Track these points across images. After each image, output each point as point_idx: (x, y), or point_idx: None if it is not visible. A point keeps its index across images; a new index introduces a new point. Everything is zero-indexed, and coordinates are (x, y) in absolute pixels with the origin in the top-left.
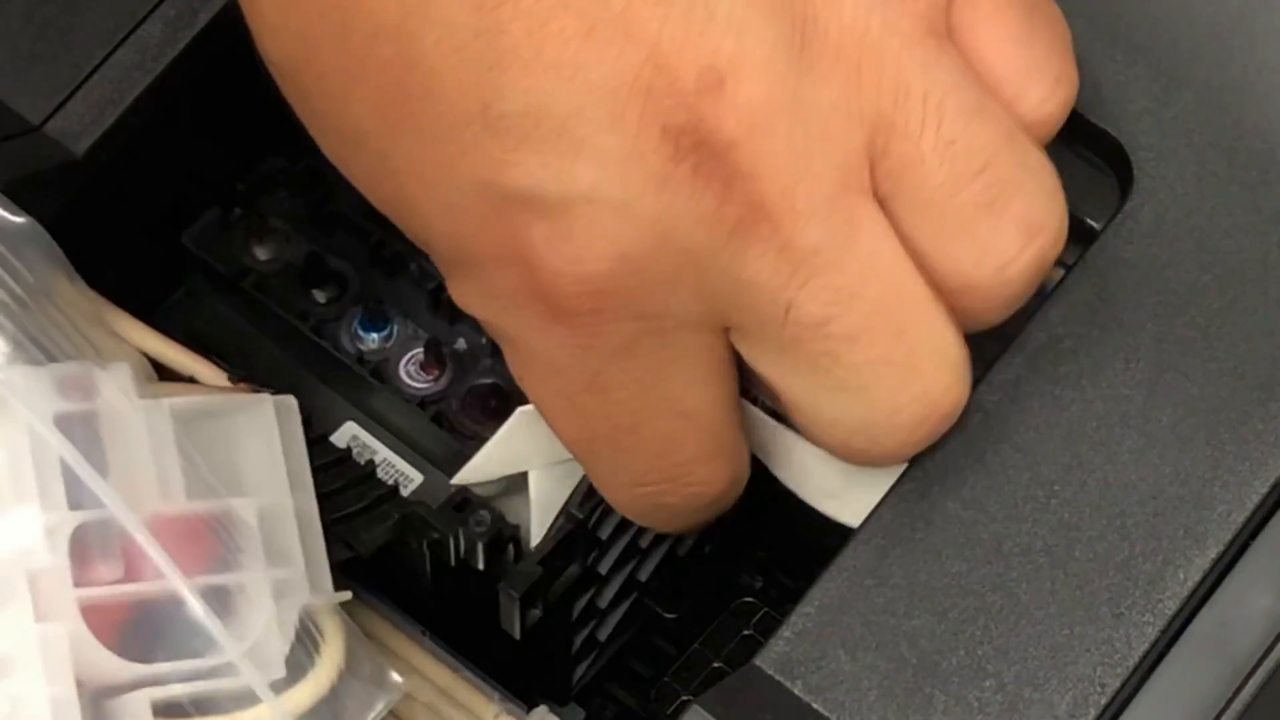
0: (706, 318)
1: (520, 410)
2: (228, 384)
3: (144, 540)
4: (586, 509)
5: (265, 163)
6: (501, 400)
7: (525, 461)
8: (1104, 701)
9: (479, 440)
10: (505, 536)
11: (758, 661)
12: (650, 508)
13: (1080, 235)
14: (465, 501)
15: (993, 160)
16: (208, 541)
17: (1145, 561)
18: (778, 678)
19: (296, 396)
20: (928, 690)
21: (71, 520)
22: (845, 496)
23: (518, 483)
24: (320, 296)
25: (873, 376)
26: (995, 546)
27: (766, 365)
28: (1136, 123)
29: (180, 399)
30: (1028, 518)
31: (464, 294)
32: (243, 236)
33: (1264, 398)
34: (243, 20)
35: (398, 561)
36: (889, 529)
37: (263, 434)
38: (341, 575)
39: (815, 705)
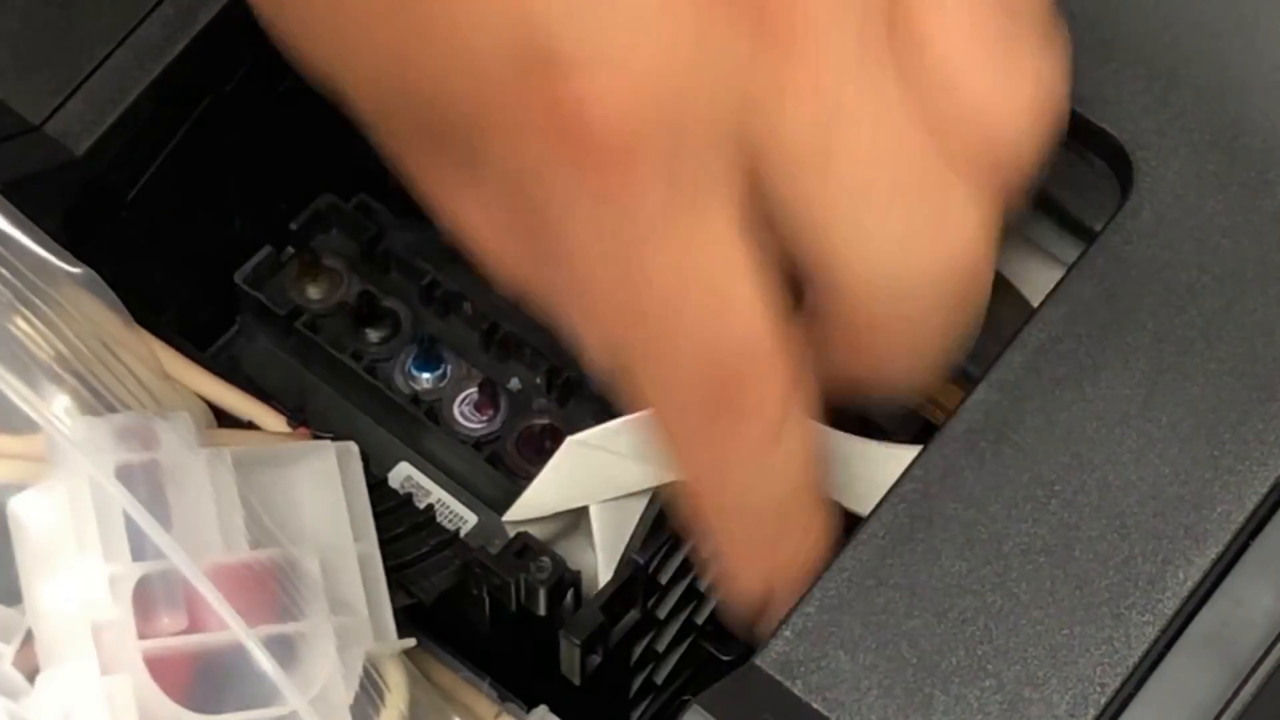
0: (741, 192)
1: (570, 439)
2: (288, 429)
3: (207, 591)
4: (648, 553)
5: (317, 200)
6: (556, 441)
7: (578, 495)
8: (1104, 701)
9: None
10: (567, 582)
11: (757, 661)
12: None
13: (1080, 235)
14: (526, 548)
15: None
16: (270, 590)
17: (1145, 561)
18: (777, 677)
19: (351, 437)
20: (927, 690)
21: (135, 572)
22: (852, 486)
23: (573, 523)
24: (373, 336)
25: (905, 226)
26: (995, 546)
27: (800, 218)
28: (1137, 122)
29: (241, 448)
30: (1027, 517)
31: (478, 177)
32: (295, 276)
33: (1264, 398)
34: (246, 23)
35: (456, 607)
36: (889, 529)
37: (325, 481)
38: (401, 621)
39: (815, 705)
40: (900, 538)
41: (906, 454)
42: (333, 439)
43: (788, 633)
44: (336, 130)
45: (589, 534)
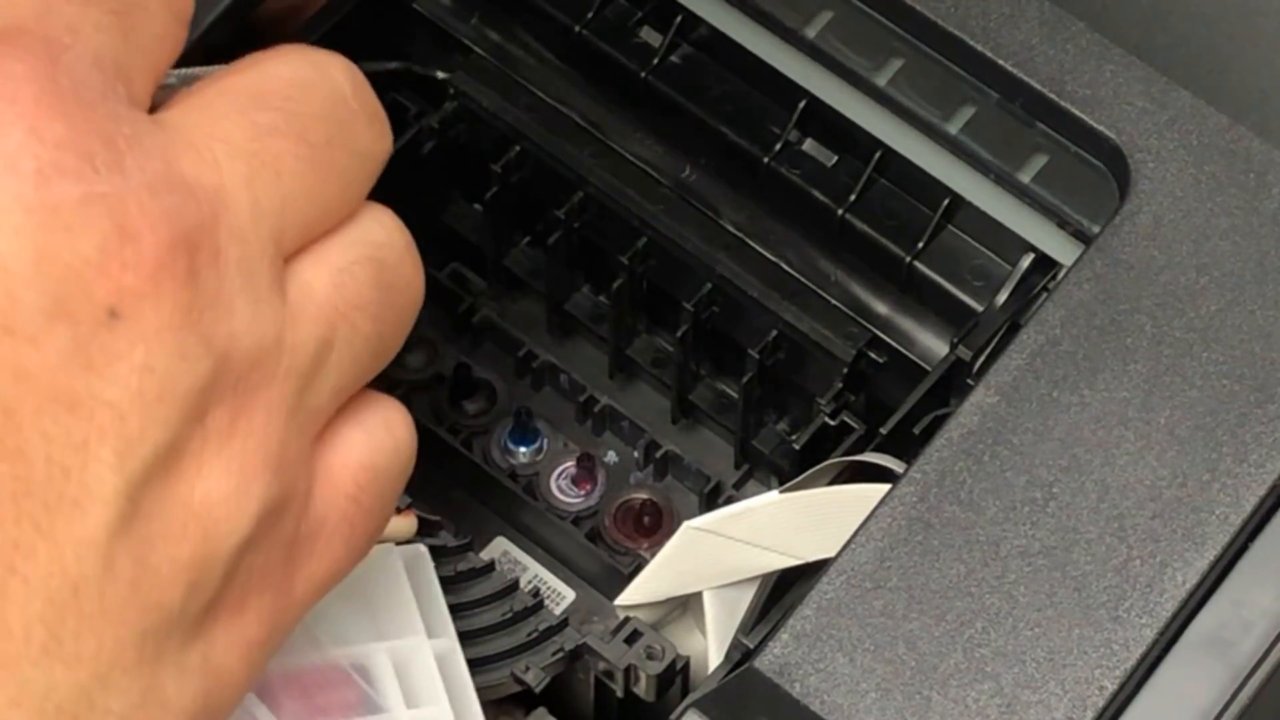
0: None
1: (687, 525)
2: (393, 513)
3: (252, 704)
4: (756, 638)
5: None
6: (655, 516)
7: (693, 581)
8: (1102, 703)
9: (632, 557)
10: (675, 669)
11: (756, 664)
12: None
13: (1078, 237)
14: (635, 633)
15: None
16: (343, 688)
17: (1143, 563)
18: (775, 680)
19: (446, 512)
20: (926, 692)
21: None
22: (799, 543)
23: (680, 605)
24: (469, 408)
25: None
26: (993, 548)
27: None
28: (1135, 125)
29: None
30: (1025, 520)
31: None
32: None
33: (1262, 399)
34: (252, 23)
35: (560, 691)
36: (887, 531)
37: (393, 584)
38: (510, 707)
39: (813, 708)
40: (898, 540)
41: (872, 494)
42: (438, 521)
43: (785, 635)
44: (429, 198)
45: (695, 616)
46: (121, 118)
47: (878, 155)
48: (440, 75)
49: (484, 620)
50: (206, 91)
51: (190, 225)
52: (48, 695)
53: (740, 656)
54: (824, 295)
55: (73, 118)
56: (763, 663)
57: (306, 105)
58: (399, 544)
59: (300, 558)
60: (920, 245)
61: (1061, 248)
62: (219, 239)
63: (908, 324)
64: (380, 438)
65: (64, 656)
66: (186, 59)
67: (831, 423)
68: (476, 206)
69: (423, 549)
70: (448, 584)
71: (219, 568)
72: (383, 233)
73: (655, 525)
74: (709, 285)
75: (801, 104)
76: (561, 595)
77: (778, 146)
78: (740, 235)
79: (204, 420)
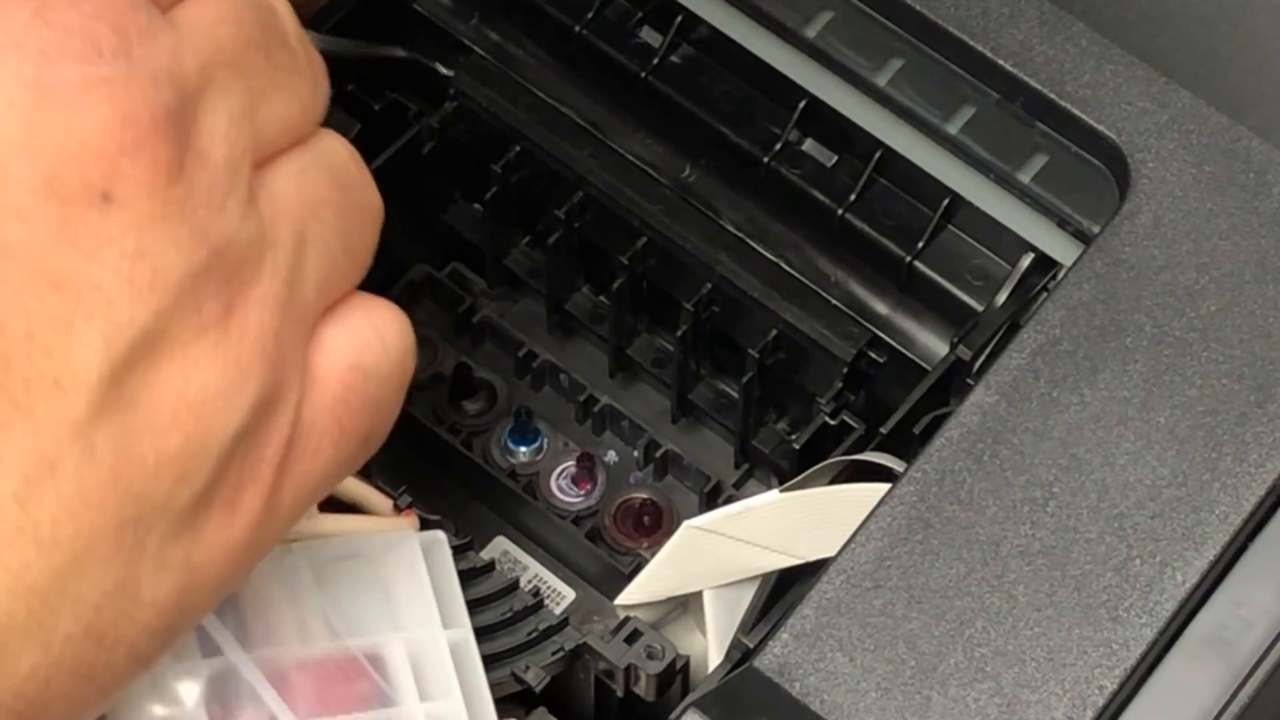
0: None
1: (687, 524)
2: (393, 513)
3: (263, 690)
4: (756, 637)
5: (411, 271)
6: (655, 516)
7: (693, 581)
8: (1102, 703)
9: (632, 556)
10: (675, 669)
11: (756, 663)
12: None
13: (1078, 237)
14: (635, 633)
15: None
16: (358, 680)
17: (1143, 563)
18: (775, 679)
19: (446, 511)
20: (925, 692)
21: (205, 669)
22: (799, 543)
23: (679, 605)
24: (469, 408)
25: None
26: (993, 548)
27: None
28: (1135, 125)
29: (323, 548)
30: (1025, 519)
31: None
32: None
33: (1262, 399)
34: None
35: (560, 690)
36: (887, 531)
37: (410, 572)
38: (509, 706)
39: (813, 707)
40: (898, 540)
41: (872, 494)
42: (438, 521)
43: (785, 635)
44: (429, 198)
45: (695, 616)
46: (138, 7)
47: (878, 155)
48: (441, 69)
49: (484, 620)
50: None
51: (187, 123)
52: (19, 575)
53: (740, 656)
54: (824, 295)
55: (83, 3)
56: (762, 662)
57: (273, 30)
58: None
59: (290, 458)
60: (920, 245)
61: (1061, 248)
62: (209, 140)
63: (908, 324)
64: (367, 338)
65: (39, 538)
66: None
67: (831, 422)
68: (477, 206)
69: (440, 535)
70: None
71: (209, 462)
72: (330, 143)
73: (655, 525)
74: (709, 285)
75: (801, 104)
76: (561, 595)
77: (778, 146)
78: (740, 235)
79: (199, 311)
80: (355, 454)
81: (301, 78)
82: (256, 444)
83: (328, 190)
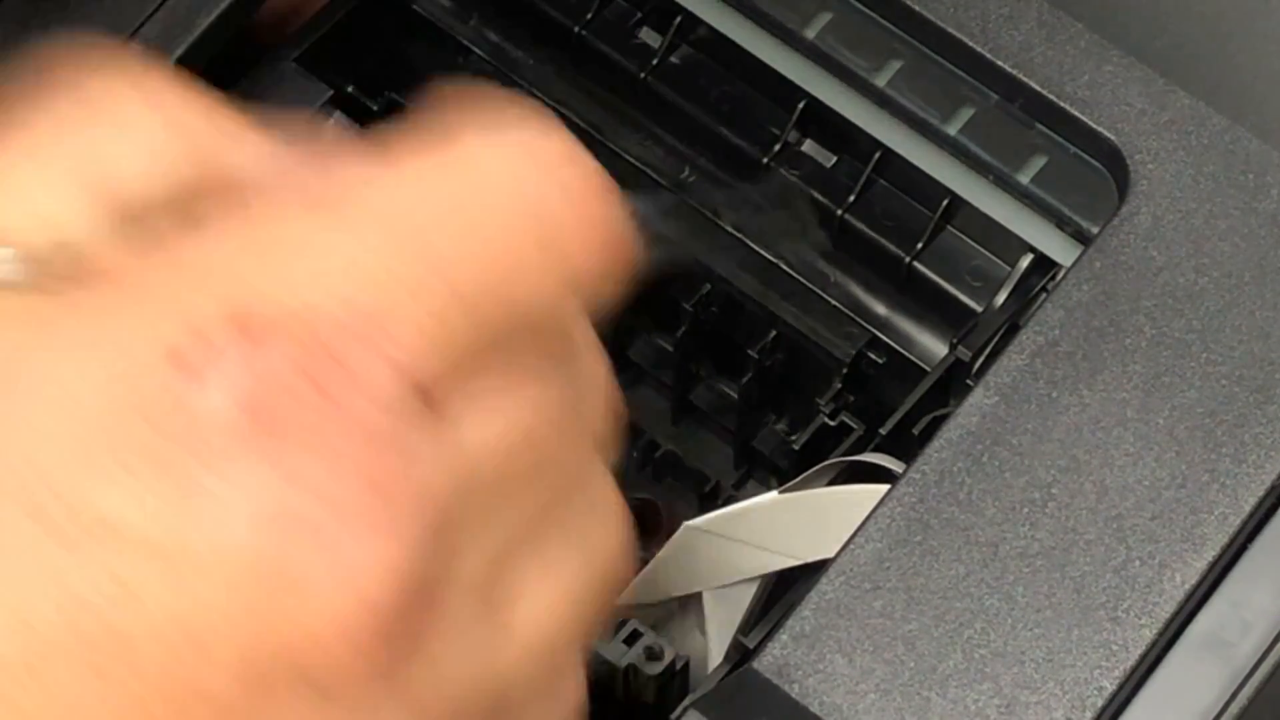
0: None
1: (686, 525)
2: None
3: None
4: (755, 638)
5: None
6: (654, 517)
7: (693, 581)
8: (1101, 704)
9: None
10: (676, 669)
11: (754, 664)
12: None
13: (1078, 238)
14: (635, 633)
15: None
16: None
17: (1142, 564)
18: (774, 681)
19: None
20: (925, 693)
21: None
22: (798, 543)
23: (679, 606)
24: None
25: None
26: (992, 549)
27: None
28: (1134, 125)
29: None
30: (1025, 520)
31: None
32: None
33: (1261, 400)
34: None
35: None
36: (886, 532)
37: None
38: None
39: (812, 708)
40: (897, 541)
41: (871, 494)
42: None
43: (784, 636)
44: None
45: (695, 616)
46: (406, 452)
47: (877, 156)
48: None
49: None
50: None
51: (428, 599)
52: None
53: (740, 657)
54: (823, 295)
55: (342, 457)
56: (762, 663)
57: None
58: None
59: None
60: (920, 246)
61: (1061, 248)
62: (449, 620)
63: (907, 324)
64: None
65: None
66: (186, 59)
67: (831, 423)
68: None
69: None
70: None
71: None
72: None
73: (654, 526)
74: (708, 286)
75: (801, 104)
76: None
77: (777, 147)
78: (739, 235)
79: None
80: None
81: (592, 463)
82: None
83: (573, 611)
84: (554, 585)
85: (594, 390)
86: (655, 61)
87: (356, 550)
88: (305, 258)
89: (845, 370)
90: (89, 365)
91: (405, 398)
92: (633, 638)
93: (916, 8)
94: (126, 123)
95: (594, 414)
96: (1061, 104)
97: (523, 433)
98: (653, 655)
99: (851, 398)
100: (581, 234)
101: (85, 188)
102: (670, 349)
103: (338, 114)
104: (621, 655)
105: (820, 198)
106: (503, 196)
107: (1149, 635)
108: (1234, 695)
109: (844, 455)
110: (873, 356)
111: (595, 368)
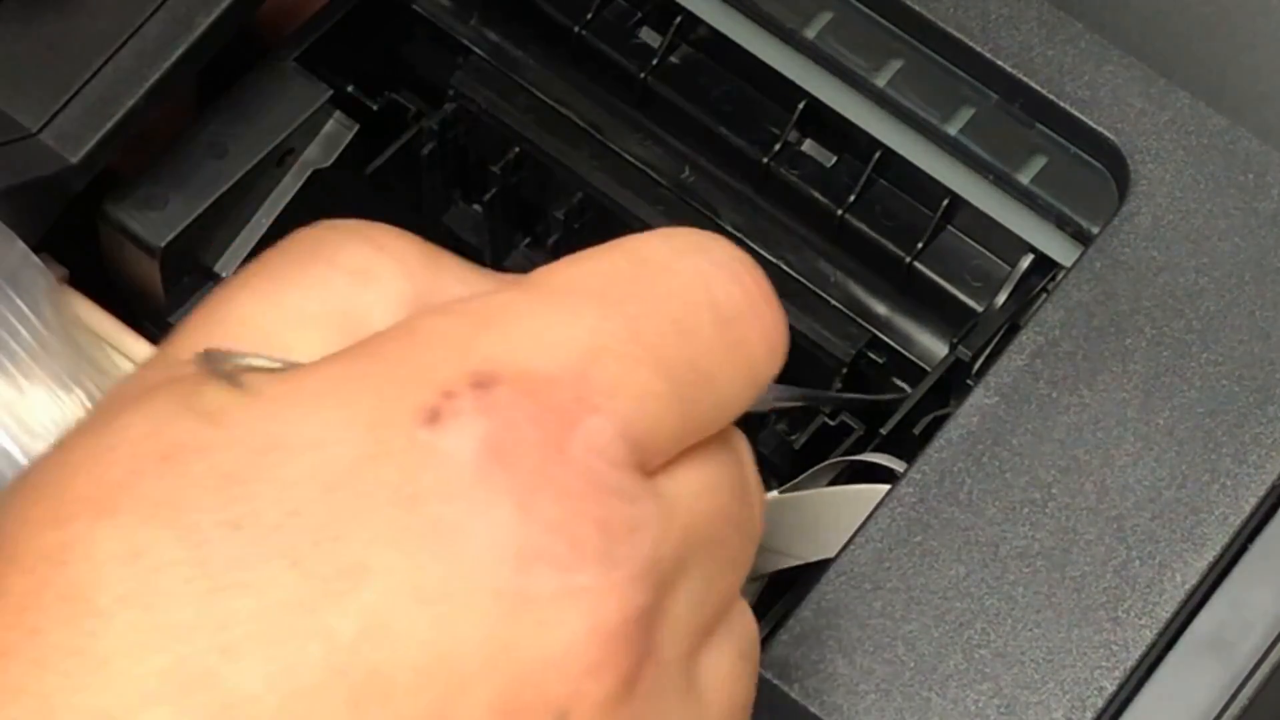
0: None
1: None
2: None
3: None
4: (765, 628)
5: None
6: None
7: None
8: (1101, 704)
9: None
10: None
11: None
12: None
13: (1078, 238)
14: None
15: None
16: None
17: (1143, 564)
18: (775, 680)
19: None
20: (925, 694)
21: None
22: (799, 543)
23: None
24: None
25: None
26: (992, 550)
27: None
28: (1134, 125)
29: None
30: (1025, 521)
31: None
32: None
33: (1261, 400)
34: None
35: None
36: (886, 532)
37: None
38: None
39: (812, 708)
40: (897, 541)
41: (871, 494)
42: None
43: (785, 636)
44: (428, 200)
45: None
46: (627, 496)
47: (877, 156)
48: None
49: None
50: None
51: (651, 624)
52: None
53: None
54: (823, 296)
55: (571, 497)
56: (762, 663)
57: (743, 491)
58: None
59: None
60: (920, 246)
61: (1061, 248)
62: (668, 638)
63: (907, 324)
64: None
65: None
66: (186, 59)
67: (831, 423)
68: (476, 208)
69: None
70: None
71: None
72: (746, 618)
73: None
74: None
75: (801, 104)
76: None
77: (777, 147)
78: (740, 236)
79: None
80: None
81: (753, 542)
82: None
83: (747, 675)
84: (731, 650)
85: (751, 477)
86: (655, 61)
87: (591, 583)
88: (526, 328)
89: (845, 370)
90: (342, 422)
91: (624, 452)
92: None
93: (916, 8)
94: (365, 271)
95: (752, 500)
96: (1061, 104)
97: (713, 503)
98: None
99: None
100: (757, 326)
101: (338, 332)
102: None
103: (338, 114)
104: None
105: (820, 198)
106: (686, 284)
107: (1149, 635)
108: (1234, 696)
109: (844, 455)
110: (873, 356)
111: (746, 454)
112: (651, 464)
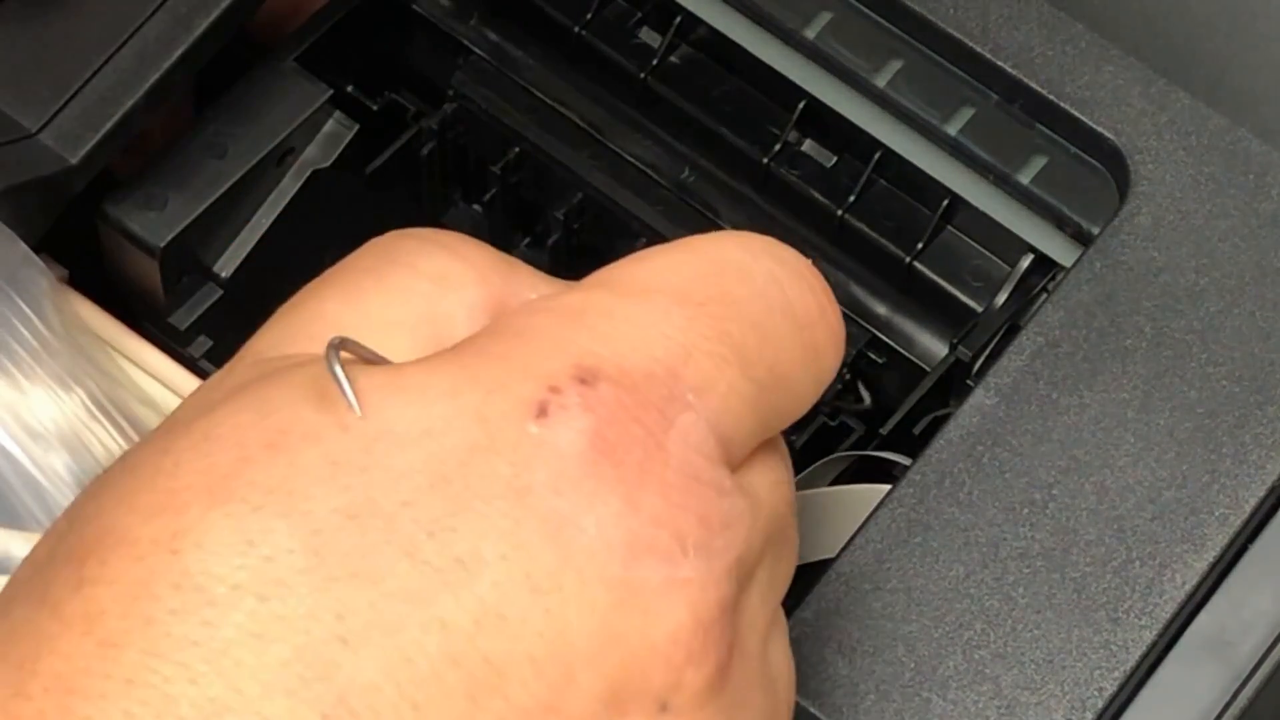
0: None
1: None
2: None
3: None
4: None
5: None
6: None
7: None
8: (1101, 705)
9: None
10: None
11: None
12: None
13: (1078, 238)
14: None
15: None
16: None
17: (1143, 565)
18: None
19: None
20: (925, 695)
21: None
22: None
23: None
24: None
25: None
26: (992, 550)
27: None
28: (1134, 125)
29: None
30: (1025, 521)
31: None
32: None
33: (1261, 401)
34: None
35: None
36: (886, 533)
37: None
38: None
39: (812, 710)
40: (897, 542)
41: (871, 494)
42: None
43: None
44: (428, 200)
45: None
46: (721, 491)
47: (877, 156)
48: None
49: None
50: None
51: (737, 615)
52: None
53: None
54: None
55: (673, 490)
56: None
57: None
58: None
59: None
60: (920, 246)
61: (1061, 249)
62: (748, 628)
63: (908, 324)
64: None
65: None
66: (186, 59)
67: (831, 423)
68: (476, 208)
69: None
70: None
71: None
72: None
73: None
74: None
75: (801, 105)
76: None
77: (777, 147)
78: None
79: None
80: None
81: (798, 535)
82: None
83: (793, 666)
84: (785, 640)
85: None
86: (655, 61)
87: (693, 574)
88: (620, 325)
89: (845, 370)
90: (451, 414)
91: (715, 446)
92: None
93: (916, 8)
94: (445, 278)
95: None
96: (1061, 104)
97: (781, 497)
98: None
99: (851, 398)
100: (826, 331)
101: (426, 337)
102: None
103: (337, 114)
104: None
105: (820, 198)
106: (763, 288)
107: (1149, 636)
108: (1234, 696)
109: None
110: (873, 356)
111: (786, 457)
112: (735, 460)
